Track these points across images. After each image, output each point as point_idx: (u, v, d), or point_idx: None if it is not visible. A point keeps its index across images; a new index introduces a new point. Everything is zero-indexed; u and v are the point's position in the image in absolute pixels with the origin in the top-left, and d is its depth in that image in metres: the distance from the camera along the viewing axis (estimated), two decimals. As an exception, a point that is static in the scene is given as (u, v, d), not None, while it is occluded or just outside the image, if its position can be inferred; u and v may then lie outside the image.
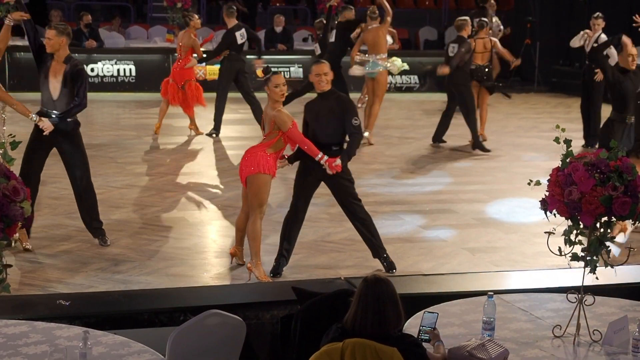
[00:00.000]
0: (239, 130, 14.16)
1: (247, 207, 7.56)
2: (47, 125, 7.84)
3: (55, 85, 7.93)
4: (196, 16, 14.34)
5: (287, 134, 7.24)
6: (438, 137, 13.78)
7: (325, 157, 7.30)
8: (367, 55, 13.78)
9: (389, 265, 7.72)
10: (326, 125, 7.43)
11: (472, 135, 13.32)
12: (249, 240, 7.42)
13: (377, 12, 13.98)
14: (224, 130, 13.88)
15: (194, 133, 13.90)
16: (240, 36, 13.66)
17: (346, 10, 14.48)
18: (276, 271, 7.60)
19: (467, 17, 13.78)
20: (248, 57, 14.76)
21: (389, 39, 14.63)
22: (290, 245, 7.69)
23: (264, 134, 7.44)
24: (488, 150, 13.27)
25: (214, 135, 13.75)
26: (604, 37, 13.80)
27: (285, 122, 7.19)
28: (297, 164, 7.69)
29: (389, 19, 13.68)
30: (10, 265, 4.54)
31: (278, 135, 7.28)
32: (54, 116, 7.89)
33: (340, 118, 7.44)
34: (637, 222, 4.80)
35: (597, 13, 14.02)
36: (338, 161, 7.33)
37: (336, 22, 14.24)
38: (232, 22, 13.77)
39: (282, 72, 18.62)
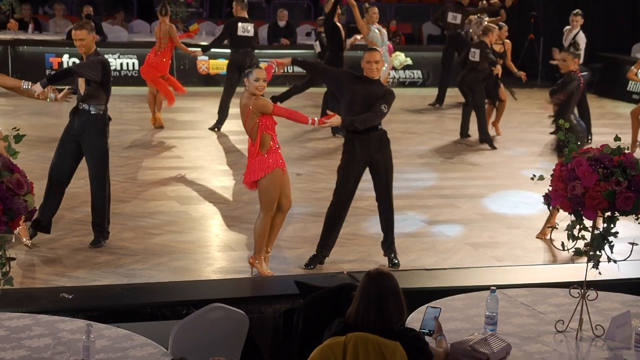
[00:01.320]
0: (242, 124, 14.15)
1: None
2: (36, 88, 7.80)
3: (81, 83, 7.95)
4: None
5: (273, 114, 7.18)
6: (464, 132, 13.91)
7: (316, 119, 7.33)
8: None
9: (390, 262, 7.75)
10: (361, 109, 7.44)
11: (480, 132, 13.39)
12: (255, 237, 7.40)
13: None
14: (228, 125, 13.86)
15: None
16: (243, 29, 13.59)
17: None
18: (309, 265, 7.70)
19: (493, 25, 13.78)
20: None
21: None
22: (332, 238, 7.77)
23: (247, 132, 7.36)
24: (494, 147, 13.29)
25: (216, 129, 13.72)
26: (581, 35, 13.87)
27: (266, 105, 7.13)
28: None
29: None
30: (13, 259, 4.54)
31: (259, 129, 7.20)
32: (45, 80, 7.89)
33: (374, 103, 7.47)
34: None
35: (577, 10, 14.05)
36: (332, 114, 7.38)
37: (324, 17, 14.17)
38: (241, 14, 13.73)
39: (285, 68, 18.74)
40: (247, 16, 13.80)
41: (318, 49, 14.47)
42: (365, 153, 7.56)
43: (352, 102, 7.48)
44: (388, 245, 7.85)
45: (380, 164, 7.65)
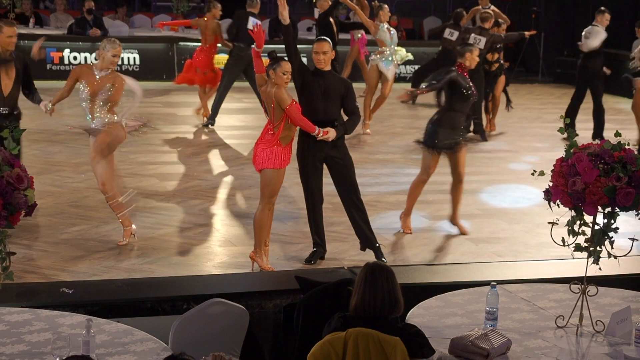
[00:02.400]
0: (243, 119, 14.16)
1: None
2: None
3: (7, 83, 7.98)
4: (219, 6, 14.28)
5: (285, 110, 7.18)
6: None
7: (321, 130, 7.33)
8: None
9: (380, 255, 7.73)
10: (323, 104, 7.42)
11: (474, 122, 13.46)
12: (255, 229, 7.41)
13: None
14: (229, 120, 13.86)
15: (202, 120, 13.85)
16: (253, 23, 13.54)
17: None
18: (309, 260, 7.67)
19: (490, 11, 13.76)
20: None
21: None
22: (320, 234, 7.74)
23: (268, 120, 7.38)
24: (485, 139, 13.37)
25: (210, 125, 13.66)
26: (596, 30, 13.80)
27: (284, 99, 7.13)
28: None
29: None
30: (13, 253, 4.54)
31: (283, 120, 7.22)
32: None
33: (337, 97, 7.45)
34: None
35: (602, 7, 13.93)
36: (329, 129, 7.36)
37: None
38: (252, 11, 13.72)
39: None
40: (255, 11, 13.75)
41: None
42: (319, 149, 7.51)
43: (312, 98, 7.43)
44: (366, 239, 7.81)
45: (336, 159, 7.59)
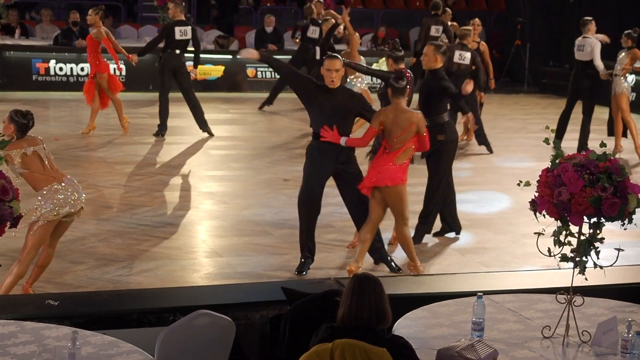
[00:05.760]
0: (230, 130, 14.15)
1: (375, 217, 7.60)
2: None
3: None
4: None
5: (422, 135, 7.37)
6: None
7: None
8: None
9: (395, 268, 7.76)
10: (336, 121, 7.43)
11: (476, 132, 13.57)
12: (403, 247, 7.71)
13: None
14: (216, 130, 13.81)
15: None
16: (180, 32, 13.54)
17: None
18: (300, 270, 7.68)
19: (470, 27, 13.78)
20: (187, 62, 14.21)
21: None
22: (312, 243, 7.79)
23: (387, 139, 7.48)
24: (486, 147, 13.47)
25: (161, 135, 13.62)
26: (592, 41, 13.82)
27: (424, 126, 7.40)
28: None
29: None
30: (-2, 265, 4.53)
31: (408, 143, 7.35)
32: None
33: (349, 114, 7.51)
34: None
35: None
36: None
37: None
38: (178, 16, 13.72)
39: (272, 73, 18.65)
40: (184, 18, 13.76)
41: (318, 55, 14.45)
42: (332, 162, 7.55)
43: (321, 115, 7.44)
44: (377, 252, 7.85)
45: (347, 173, 7.62)
